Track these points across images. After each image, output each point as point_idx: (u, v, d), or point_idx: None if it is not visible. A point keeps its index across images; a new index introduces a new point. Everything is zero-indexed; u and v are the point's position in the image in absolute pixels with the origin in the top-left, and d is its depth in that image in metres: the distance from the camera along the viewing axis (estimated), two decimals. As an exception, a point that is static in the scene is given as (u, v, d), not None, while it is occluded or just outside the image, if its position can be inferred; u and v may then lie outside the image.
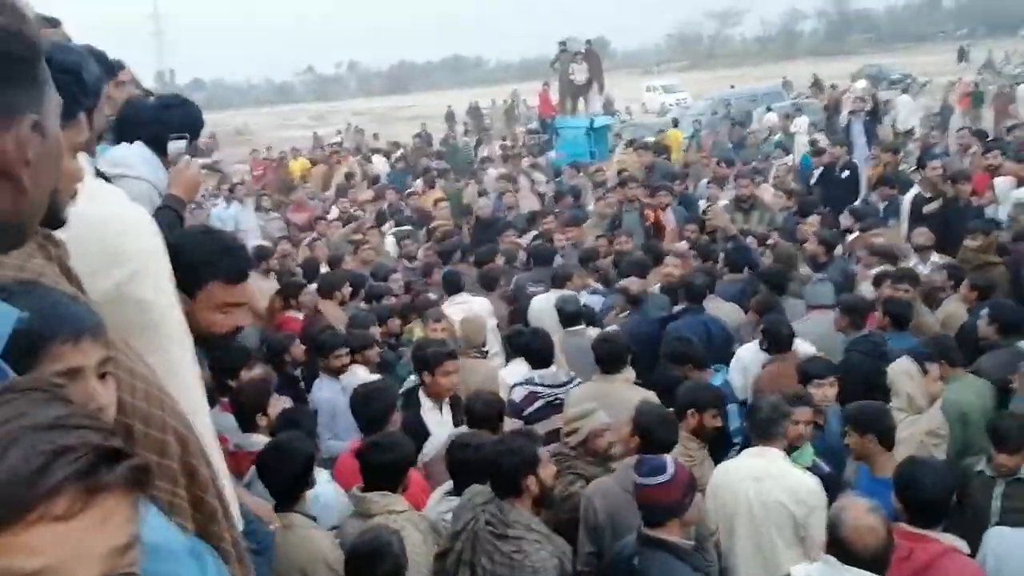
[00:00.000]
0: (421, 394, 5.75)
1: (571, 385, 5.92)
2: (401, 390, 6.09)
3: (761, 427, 4.63)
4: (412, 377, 6.16)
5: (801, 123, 21.40)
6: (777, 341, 6.17)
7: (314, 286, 8.25)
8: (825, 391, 5.33)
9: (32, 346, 1.38)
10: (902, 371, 5.30)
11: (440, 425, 5.56)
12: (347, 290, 8.25)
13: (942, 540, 3.78)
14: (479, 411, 5.17)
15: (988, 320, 6.18)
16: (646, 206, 10.90)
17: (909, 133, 20.44)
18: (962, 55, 49.95)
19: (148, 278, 2.19)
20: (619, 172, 13.79)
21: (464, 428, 5.22)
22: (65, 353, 1.45)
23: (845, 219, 9.77)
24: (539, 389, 5.94)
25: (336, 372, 6.32)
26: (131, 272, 2.13)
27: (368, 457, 4.22)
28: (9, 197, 1.22)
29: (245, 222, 14.22)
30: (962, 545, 3.83)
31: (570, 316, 7.05)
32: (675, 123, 24.47)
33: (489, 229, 11.55)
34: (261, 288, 7.77)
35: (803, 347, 6.32)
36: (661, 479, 3.80)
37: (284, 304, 7.71)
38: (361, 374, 6.23)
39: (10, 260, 1.50)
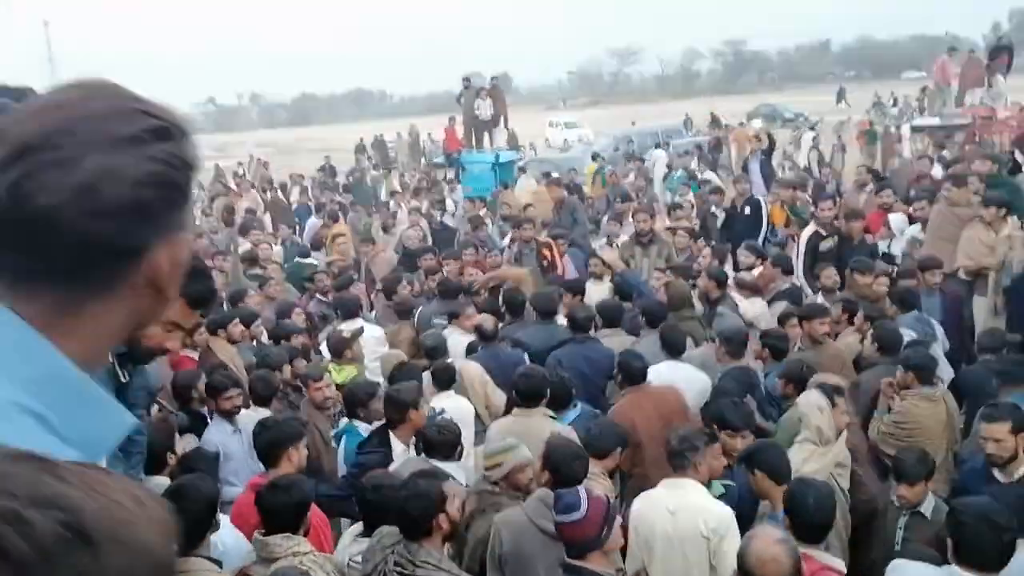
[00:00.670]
0: (393, 437, 5.62)
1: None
2: (339, 431, 6.04)
3: (671, 459, 4.70)
4: (352, 422, 6.07)
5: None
6: (630, 374, 6.24)
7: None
8: (736, 443, 5.38)
9: None
10: (812, 404, 5.36)
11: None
12: (236, 328, 7.95)
13: (821, 559, 3.93)
14: (433, 438, 5.17)
15: (871, 339, 6.79)
16: (542, 245, 11.01)
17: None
18: (840, 96, 52.20)
19: None
20: (524, 207, 13.87)
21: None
22: None
23: (744, 255, 9.91)
24: None
25: (227, 414, 6.06)
26: None
27: (267, 499, 4.13)
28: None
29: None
30: (839, 565, 3.99)
31: (428, 351, 7.20)
32: (594, 157, 24.58)
33: (416, 259, 11.58)
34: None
35: (689, 375, 6.53)
36: (575, 516, 3.84)
37: (186, 341, 7.46)
38: (265, 413, 6.04)
39: None
